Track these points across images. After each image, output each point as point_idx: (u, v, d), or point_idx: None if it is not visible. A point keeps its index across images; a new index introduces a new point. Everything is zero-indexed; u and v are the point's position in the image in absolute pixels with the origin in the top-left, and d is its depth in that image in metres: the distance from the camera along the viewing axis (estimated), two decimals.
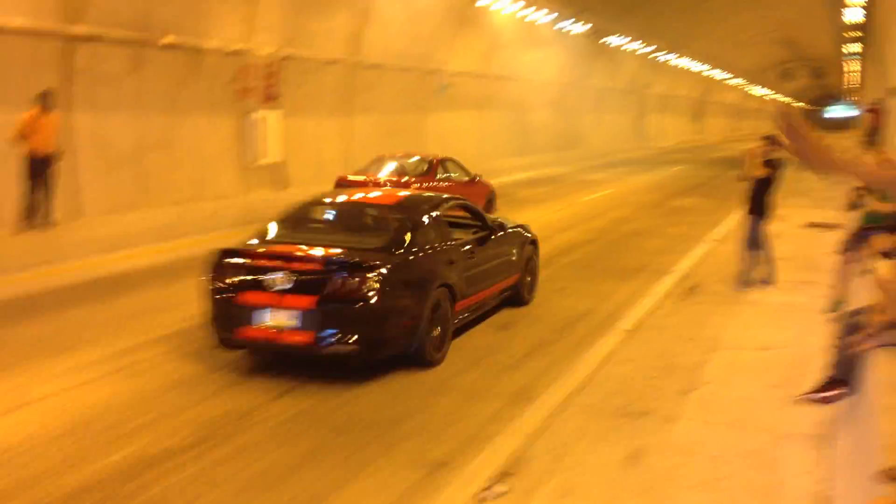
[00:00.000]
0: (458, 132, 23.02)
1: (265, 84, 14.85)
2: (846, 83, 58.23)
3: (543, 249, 9.91)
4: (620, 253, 12.27)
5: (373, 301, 6.05)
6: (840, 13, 25.12)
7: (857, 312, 4.87)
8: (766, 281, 9.61)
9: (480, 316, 8.04)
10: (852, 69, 46.11)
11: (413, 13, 18.75)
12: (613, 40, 31.25)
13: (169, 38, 12.69)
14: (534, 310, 8.71)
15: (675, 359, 6.84)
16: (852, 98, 65.36)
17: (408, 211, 7.31)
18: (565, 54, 29.28)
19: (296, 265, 6.18)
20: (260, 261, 6.35)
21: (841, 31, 30.79)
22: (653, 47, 35.36)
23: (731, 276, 9.71)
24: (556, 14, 24.75)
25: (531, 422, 5.50)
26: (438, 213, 7.46)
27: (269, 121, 14.99)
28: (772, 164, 9.39)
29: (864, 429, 4.18)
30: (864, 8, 21.52)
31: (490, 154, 24.59)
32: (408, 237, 6.81)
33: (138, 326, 7.79)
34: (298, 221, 7.42)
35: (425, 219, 7.19)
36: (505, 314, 8.49)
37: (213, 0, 13.42)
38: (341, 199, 8.07)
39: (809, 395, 4.98)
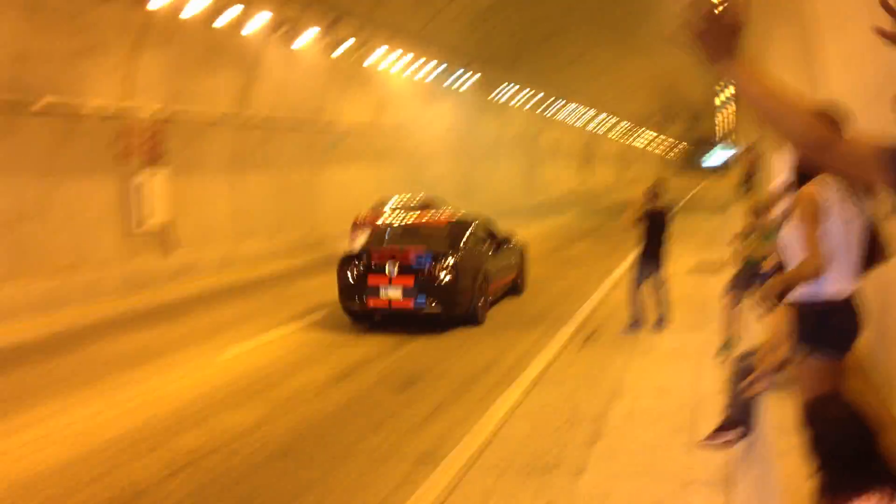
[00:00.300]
0: (355, 185, 22.91)
1: (148, 144, 14.33)
2: (722, 128, 61.93)
3: None
4: (520, 302, 12.35)
5: (447, 280, 10.08)
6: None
7: (749, 355, 4.98)
8: (661, 324, 9.86)
9: (378, 376, 8.18)
10: (726, 115, 49.09)
11: (302, 69, 18.67)
12: (502, 93, 32.14)
13: (45, 100, 12.09)
14: (437, 365, 8.58)
15: (579, 409, 6.84)
16: (726, 143, 69.58)
17: (457, 226, 11.48)
18: (457, 106, 29.85)
19: (401, 258, 10.22)
20: (378, 256, 10.35)
21: (714, 80, 32.81)
22: (538, 98, 36.55)
23: (627, 321, 9.92)
24: (444, 65, 25.24)
25: (438, 485, 5.32)
26: (472, 228, 11.47)
27: (154, 182, 14.43)
28: (652, 214, 9.82)
29: (762, 472, 4.22)
30: None
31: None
32: (461, 242, 10.94)
33: None
34: (390, 235, 11.31)
35: (468, 231, 11.31)
36: (405, 372, 8.33)
37: (91, 60, 12.92)
38: (410, 220, 11.97)
39: (709, 440, 5.03)
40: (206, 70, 15.61)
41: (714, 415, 5.56)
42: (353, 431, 6.55)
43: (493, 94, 31.41)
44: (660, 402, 6.92)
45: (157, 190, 14.58)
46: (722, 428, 5.03)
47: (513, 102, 34.12)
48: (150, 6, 12.91)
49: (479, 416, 6.76)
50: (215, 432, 6.56)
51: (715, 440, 4.99)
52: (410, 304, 10.02)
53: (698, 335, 9.44)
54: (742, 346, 6.80)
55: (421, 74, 23.80)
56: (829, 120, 6.88)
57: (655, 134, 71.79)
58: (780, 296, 3.81)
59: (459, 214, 12.95)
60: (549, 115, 40.09)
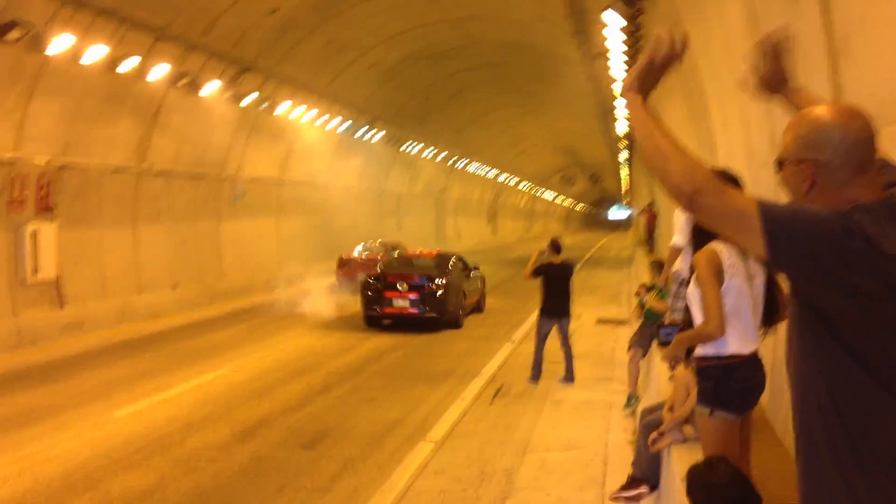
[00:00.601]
0: (258, 238, 22.49)
1: (39, 195, 13.68)
2: (622, 186, 64.39)
3: (352, 359, 9.64)
4: (429, 357, 12.27)
5: (440, 294, 14.23)
6: (611, 125, 27.92)
7: (654, 409, 5.06)
8: (568, 377, 9.98)
9: (283, 434, 7.87)
10: (625, 174, 51.06)
11: (206, 119, 18.34)
12: (410, 147, 32.50)
13: None
14: (342, 423, 8.37)
15: (488, 465, 6.78)
16: (626, 201, 72.37)
17: (442, 258, 16.06)
18: (367, 158, 29.93)
19: (407, 279, 14.41)
20: (391, 278, 14.53)
21: (613, 141, 34.18)
22: (445, 153, 37.11)
23: (531, 373, 10.01)
24: (350, 121, 25.35)
25: None
26: (453, 259, 16.03)
27: (44, 234, 13.72)
28: (552, 268, 10.02)
29: None
30: (627, 121, 24.01)
31: (291, 260, 24.14)
32: (447, 268, 15.24)
33: None
34: (397, 264, 16.03)
35: (450, 261, 15.85)
36: (312, 428, 8.08)
37: None
38: (413, 255, 16.94)
39: (618, 495, 5.06)
40: (105, 117, 15.11)
41: (623, 468, 5.62)
42: (258, 492, 6.27)
43: (403, 147, 31.72)
44: (568, 457, 6.95)
45: (49, 240, 13.87)
46: (630, 483, 5.07)
47: (423, 155, 34.52)
48: (48, 51, 12.45)
49: (388, 474, 6.60)
50: (110, 495, 6.15)
51: (624, 495, 5.03)
52: (416, 310, 14.22)
53: (606, 387, 9.60)
54: (647, 400, 6.94)
55: (331, 125, 23.80)
56: (725, 177, 7.16)
57: (555, 193, 73.92)
58: (686, 354, 3.88)
59: (439, 250, 18.07)
60: (458, 167, 40.73)
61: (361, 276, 15.82)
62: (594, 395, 9.33)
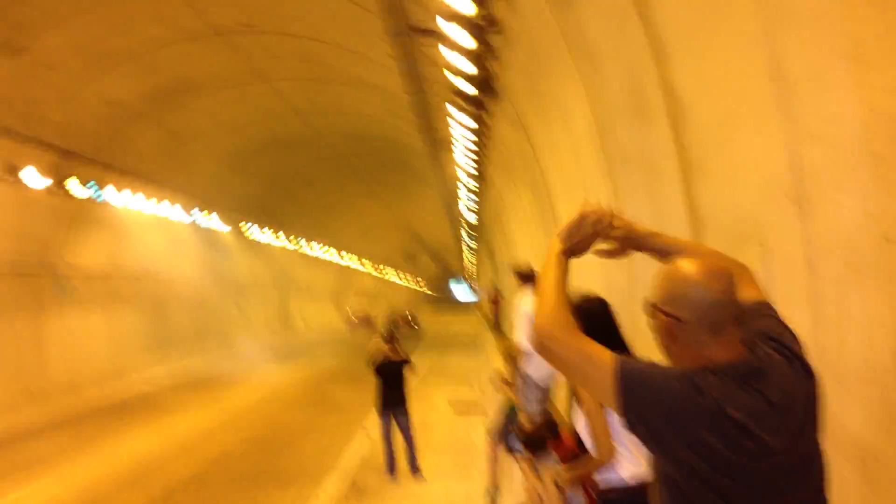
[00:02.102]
0: (87, 336, 20.83)
1: None
2: (466, 268, 66.01)
3: (194, 462, 8.92)
4: (279, 455, 11.64)
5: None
6: (454, 209, 28.70)
7: None
8: (416, 470, 9.76)
9: None
10: (469, 258, 52.42)
11: (26, 211, 17.01)
12: (253, 233, 31.75)
13: None
14: None
15: None
16: (471, 283, 74.15)
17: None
18: (208, 249, 28.89)
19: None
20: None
21: (457, 226, 35.09)
22: (291, 239, 36.59)
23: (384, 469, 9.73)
24: (193, 211, 24.50)
25: None
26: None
27: None
28: (386, 361, 9.87)
29: None
30: (475, 213, 24.83)
31: (124, 356, 22.53)
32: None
33: None
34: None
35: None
36: None
37: None
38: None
39: None
40: None
41: None
42: None
43: (249, 235, 30.93)
44: None
45: None
46: None
47: (269, 242, 33.81)
48: None
49: None
50: None
51: None
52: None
53: (464, 482, 9.45)
54: (505, 497, 6.86)
55: (172, 215, 22.81)
56: (525, 274, 7.27)
57: (401, 275, 74.69)
58: (580, 482, 3.76)
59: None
60: (305, 252, 40.19)
61: None
62: (453, 489, 9.16)
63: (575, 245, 2.12)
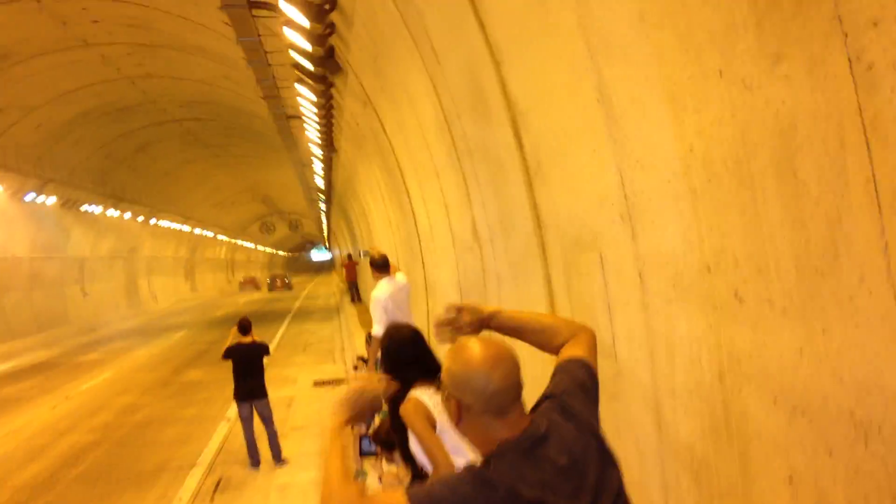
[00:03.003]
0: None
1: None
2: (323, 231, 65.24)
3: (45, 465, 8.39)
4: (136, 452, 11.14)
5: None
6: (310, 177, 28.15)
7: None
8: (279, 459, 9.63)
9: None
10: (327, 225, 51.76)
11: None
12: (90, 208, 29.79)
13: None
14: None
15: None
16: (326, 245, 73.46)
17: None
18: (38, 227, 26.85)
19: None
20: None
21: (312, 191, 34.48)
22: (132, 211, 34.65)
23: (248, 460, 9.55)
24: (16, 186, 22.64)
25: None
26: None
27: None
28: (240, 349, 9.58)
29: None
30: (323, 178, 24.45)
31: None
32: None
33: None
34: None
35: None
36: None
37: None
38: None
39: None
40: None
41: None
42: None
43: (84, 209, 28.97)
44: None
45: None
46: None
47: (108, 214, 31.83)
48: None
49: None
50: None
51: None
52: None
53: None
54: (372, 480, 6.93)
55: None
56: (380, 263, 7.30)
57: (255, 242, 72.85)
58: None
59: None
60: (149, 223, 38.19)
61: None
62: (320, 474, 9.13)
63: (352, 418, 2.16)
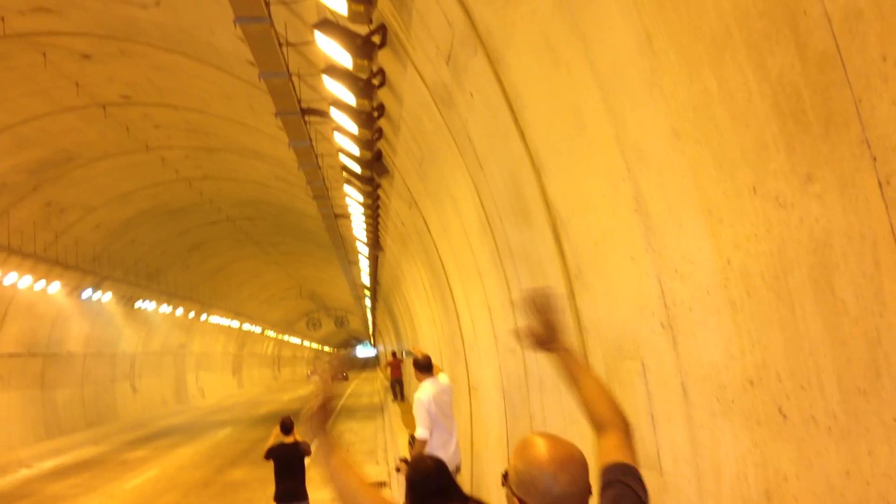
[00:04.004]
0: None
1: None
2: (368, 327, 65.53)
3: None
4: None
5: None
6: (355, 274, 28.50)
7: None
8: None
9: None
10: (372, 321, 52.01)
11: None
12: (143, 305, 30.49)
13: None
14: None
15: None
16: (371, 341, 73.58)
17: None
18: (93, 322, 27.54)
19: None
20: None
21: (358, 287, 34.83)
22: (184, 308, 35.32)
23: None
24: (75, 283, 23.38)
25: None
26: None
27: None
28: (282, 449, 9.43)
29: None
30: (369, 275, 24.76)
31: (6, 443, 21.02)
32: None
33: None
34: None
35: None
36: None
37: None
38: None
39: None
40: None
41: None
42: None
43: (137, 305, 29.67)
44: None
45: None
46: None
47: (160, 310, 32.52)
48: None
49: None
50: None
51: None
52: None
53: None
54: None
55: (52, 289, 21.64)
56: (424, 364, 7.32)
57: (300, 340, 73.38)
58: None
59: None
60: (200, 320, 38.83)
61: None
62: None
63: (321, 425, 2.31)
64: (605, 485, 1.99)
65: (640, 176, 2.91)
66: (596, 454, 2.16)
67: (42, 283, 20.90)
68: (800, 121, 1.87)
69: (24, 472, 20.25)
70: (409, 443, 8.78)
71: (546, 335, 2.35)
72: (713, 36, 2.15)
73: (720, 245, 2.41)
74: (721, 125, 2.25)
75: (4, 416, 21.66)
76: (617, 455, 2.07)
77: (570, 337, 2.33)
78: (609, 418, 2.18)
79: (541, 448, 1.86)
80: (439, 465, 3.65)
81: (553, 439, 1.89)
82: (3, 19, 11.81)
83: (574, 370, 2.32)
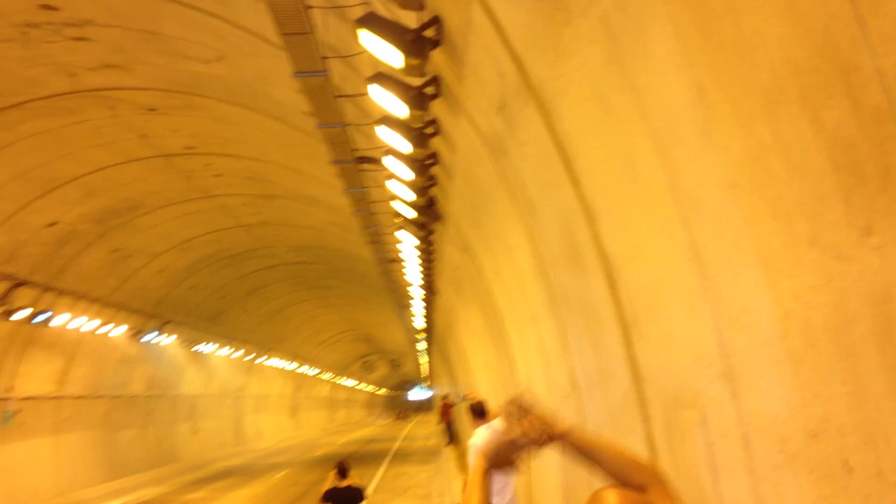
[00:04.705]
0: (31, 463, 19.89)
1: None
2: (423, 374, 65.56)
3: None
4: None
5: None
6: (408, 318, 28.66)
7: None
8: None
9: None
10: (425, 365, 52.06)
11: None
12: (203, 348, 31.09)
13: None
14: None
15: None
16: (426, 384, 73.44)
17: None
18: (156, 365, 28.18)
19: None
20: None
21: (411, 332, 34.98)
22: (243, 351, 35.91)
23: None
24: (138, 328, 24.02)
25: None
26: None
27: None
28: (337, 493, 9.41)
29: None
30: (423, 319, 24.85)
31: (72, 484, 21.52)
32: None
33: None
34: None
35: None
36: None
37: None
38: None
39: None
40: None
41: None
42: None
43: (197, 348, 30.27)
44: None
45: None
46: None
47: (219, 353, 33.10)
48: None
49: None
50: None
51: None
52: None
53: None
54: None
55: (116, 333, 22.25)
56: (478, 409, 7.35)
57: (355, 382, 73.65)
58: None
59: None
60: (257, 362, 39.38)
61: None
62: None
63: (499, 459, 2.21)
64: None
65: (696, 225, 2.91)
66: None
67: (108, 326, 21.52)
68: (856, 174, 1.87)
69: None
70: (464, 486, 8.72)
71: (542, 430, 2.32)
72: (766, 89, 2.17)
73: (779, 296, 2.40)
74: (777, 177, 2.25)
75: (70, 457, 22.18)
76: None
77: (568, 424, 2.30)
78: (642, 477, 2.17)
79: (611, 500, 1.87)
80: None
81: (623, 493, 1.90)
82: (75, 75, 12.44)
83: (585, 447, 2.27)
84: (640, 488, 2.17)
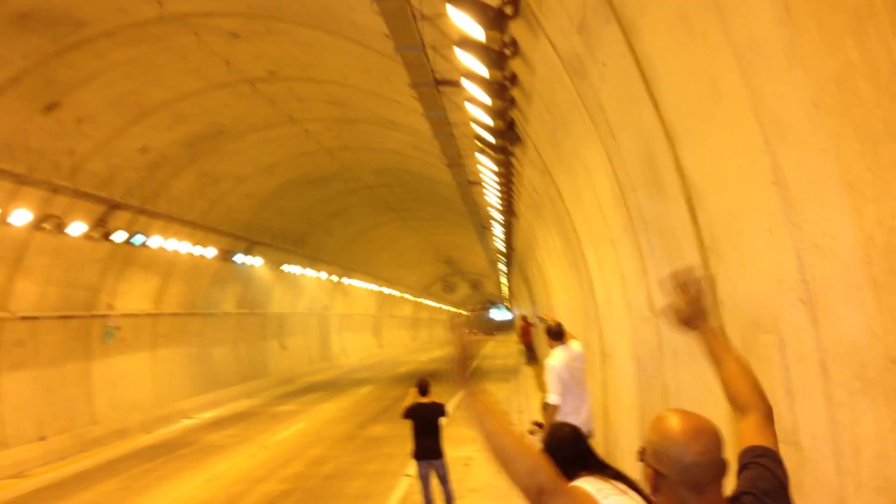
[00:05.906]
0: (132, 376, 21.33)
1: None
2: (503, 294, 66.13)
3: None
4: (324, 501, 11.77)
5: None
6: (489, 240, 28.86)
7: None
8: None
9: None
10: (505, 285, 52.45)
11: (73, 259, 17.59)
12: (289, 268, 32.16)
13: None
14: None
15: None
16: (506, 304, 74.12)
17: None
18: (245, 285, 29.39)
19: None
20: None
21: (492, 252, 35.23)
22: (327, 272, 36.96)
23: None
24: (228, 249, 24.98)
25: None
26: None
27: None
28: (419, 409, 9.74)
29: None
30: (503, 241, 24.92)
31: (170, 396, 23.02)
32: None
33: None
34: None
35: None
36: None
37: None
38: None
39: None
40: None
41: None
42: None
43: (284, 269, 31.35)
44: None
45: None
46: None
47: (305, 274, 34.20)
48: None
49: None
50: None
51: None
52: None
53: None
54: None
55: (208, 254, 23.24)
56: (556, 331, 7.29)
57: (437, 303, 74.87)
58: None
59: None
60: (341, 282, 40.53)
61: None
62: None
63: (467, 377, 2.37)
64: (743, 466, 2.03)
65: (779, 148, 2.84)
66: (735, 434, 2.20)
67: (199, 248, 22.49)
68: None
69: (185, 423, 22.13)
70: (543, 407, 8.92)
71: (691, 315, 2.39)
72: (855, 6, 2.08)
73: (863, 221, 2.34)
74: (864, 98, 2.17)
75: (168, 371, 23.64)
76: (757, 438, 2.10)
77: (715, 317, 2.36)
78: (750, 401, 2.21)
79: (673, 421, 1.94)
80: (576, 432, 3.72)
81: (685, 413, 1.96)
82: (160, 2, 12.68)
83: (717, 351, 2.36)
84: (739, 409, 2.22)
